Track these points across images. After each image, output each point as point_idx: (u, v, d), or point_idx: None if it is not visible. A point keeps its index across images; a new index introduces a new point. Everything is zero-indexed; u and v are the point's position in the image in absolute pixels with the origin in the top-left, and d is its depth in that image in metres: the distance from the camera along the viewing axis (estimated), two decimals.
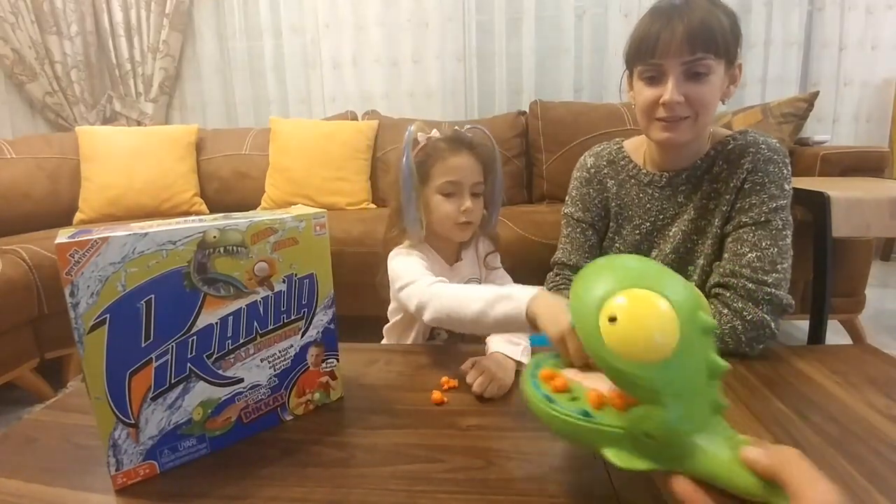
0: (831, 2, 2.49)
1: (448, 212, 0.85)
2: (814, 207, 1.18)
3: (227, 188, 2.33)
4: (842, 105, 2.57)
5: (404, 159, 0.83)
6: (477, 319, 0.64)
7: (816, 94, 1.83)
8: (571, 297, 0.43)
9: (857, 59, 2.52)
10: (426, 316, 0.72)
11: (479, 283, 0.95)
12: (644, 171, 0.91)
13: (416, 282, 0.76)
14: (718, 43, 0.74)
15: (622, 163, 0.94)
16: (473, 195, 0.87)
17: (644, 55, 0.78)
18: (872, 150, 1.70)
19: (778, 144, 0.82)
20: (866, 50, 2.52)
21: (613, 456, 0.40)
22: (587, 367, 0.49)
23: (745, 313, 0.73)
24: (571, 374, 0.48)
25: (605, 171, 0.95)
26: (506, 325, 0.64)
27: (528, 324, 0.59)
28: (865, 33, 2.50)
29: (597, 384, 0.44)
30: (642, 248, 0.91)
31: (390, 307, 0.95)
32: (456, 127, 0.91)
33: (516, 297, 0.61)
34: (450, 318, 0.69)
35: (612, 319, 0.38)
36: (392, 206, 0.93)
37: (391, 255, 0.87)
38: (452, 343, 0.93)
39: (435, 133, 0.88)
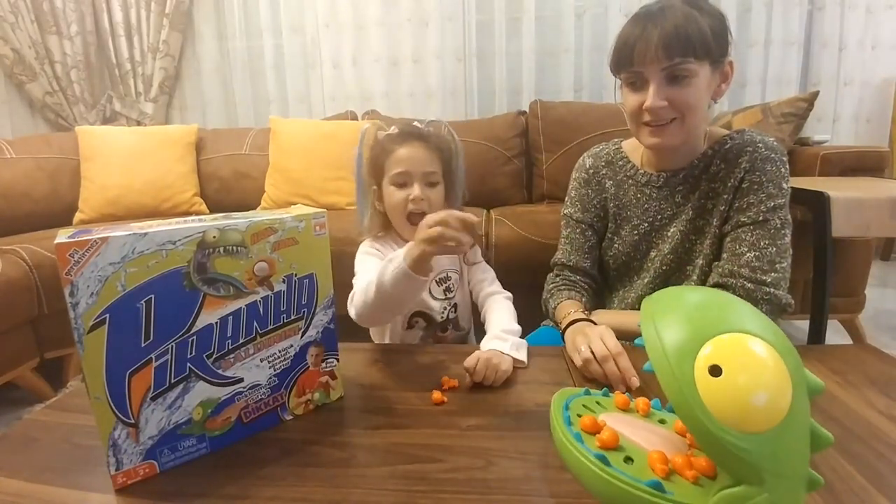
0: (831, 1, 2.48)
1: (398, 201, 0.87)
2: (814, 207, 1.18)
3: (227, 188, 2.33)
4: (842, 105, 2.57)
5: (356, 155, 0.89)
6: (379, 291, 0.71)
7: (816, 93, 1.83)
8: (646, 333, 0.36)
9: (857, 59, 2.52)
10: (352, 314, 0.78)
11: (459, 276, 0.97)
12: (642, 171, 0.91)
13: (359, 279, 0.82)
14: (696, 46, 0.73)
15: (620, 163, 0.94)
16: (429, 185, 0.88)
17: (624, 63, 0.79)
18: (872, 150, 1.70)
19: (775, 143, 0.82)
20: (866, 50, 2.51)
21: None
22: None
23: None
24: (611, 421, 0.42)
25: (604, 172, 0.95)
26: (405, 285, 0.69)
27: (415, 272, 0.66)
28: (865, 33, 2.50)
29: (643, 434, 0.39)
30: (641, 248, 0.91)
31: None
32: (416, 122, 0.93)
33: (394, 257, 0.69)
34: (366, 303, 0.74)
35: (716, 371, 0.31)
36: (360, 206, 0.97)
37: (359, 248, 0.91)
38: (430, 333, 0.94)
39: (393, 129, 0.91)
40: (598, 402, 0.50)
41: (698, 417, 0.31)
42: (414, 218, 0.87)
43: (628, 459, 0.38)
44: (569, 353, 0.75)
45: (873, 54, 2.52)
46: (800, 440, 0.32)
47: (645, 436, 0.40)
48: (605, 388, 0.54)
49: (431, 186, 0.88)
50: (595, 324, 0.79)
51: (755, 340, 0.32)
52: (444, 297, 0.94)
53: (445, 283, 0.94)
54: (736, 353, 0.32)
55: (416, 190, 0.86)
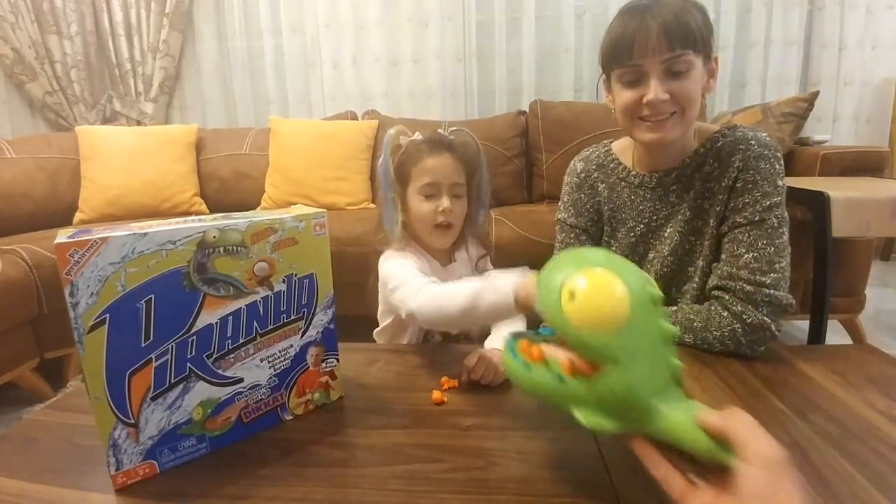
0: (831, 1, 2.48)
1: (426, 212, 0.86)
2: (814, 207, 1.18)
3: (227, 188, 2.33)
4: (842, 105, 2.57)
5: (381, 161, 0.86)
6: (466, 313, 0.64)
7: (816, 93, 1.83)
8: (537, 283, 0.49)
9: (857, 59, 2.52)
10: (419, 318, 0.72)
11: None
12: (634, 172, 0.90)
13: (408, 283, 0.76)
14: (696, 37, 0.73)
15: (611, 165, 0.93)
16: (454, 196, 0.87)
17: (621, 57, 0.76)
18: (872, 150, 1.70)
19: (768, 139, 0.80)
20: (866, 50, 2.51)
21: (582, 416, 0.44)
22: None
23: (744, 316, 0.73)
24: (547, 348, 0.50)
25: (595, 176, 0.94)
26: (496, 315, 0.66)
27: (518, 309, 0.59)
28: (865, 33, 2.50)
29: (566, 353, 0.48)
30: (638, 250, 0.90)
31: (380, 310, 0.95)
32: (439, 130, 0.91)
33: (500, 287, 0.61)
34: (440, 315, 0.69)
35: (571, 296, 0.43)
36: (378, 210, 0.94)
37: (383, 256, 0.88)
38: (446, 346, 0.93)
39: (417, 136, 0.89)
40: (544, 339, 0.54)
41: (565, 328, 0.44)
42: (441, 229, 0.87)
43: (549, 367, 0.48)
44: None
45: (873, 54, 2.52)
46: (645, 335, 0.44)
47: (567, 353, 0.48)
48: (552, 329, 0.54)
49: (457, 198, 0.88)
50: None
51: (600, 272, 0.45)
52: None
53: None
54: (586, 283, 0.44)
55: (445, 202, 0.85)
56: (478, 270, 0.97)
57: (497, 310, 0.62)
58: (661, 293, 0.46)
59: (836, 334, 1.68)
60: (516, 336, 0.55)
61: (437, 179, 0.85)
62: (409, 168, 0.87)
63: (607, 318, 0.43)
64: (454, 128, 0.93)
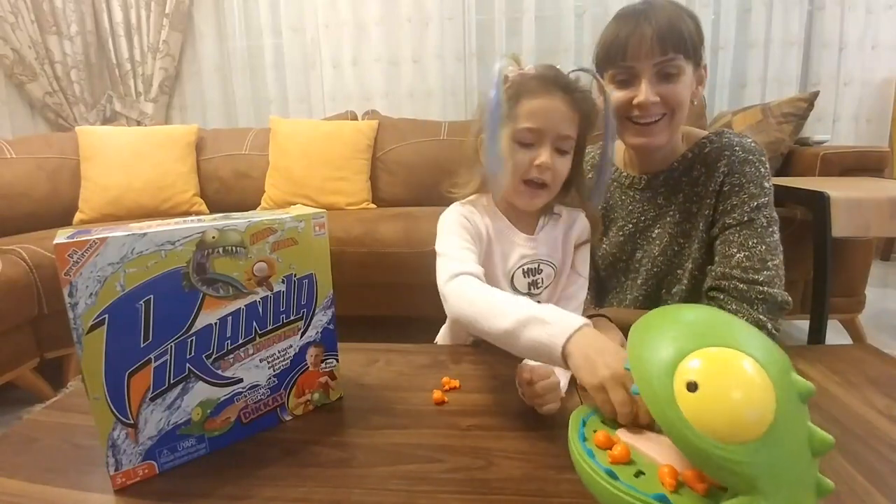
0: (831, 2, 2.48)
1: (518, 162, 0.70)
2: (814, 207, 1.18)
3: (227, 188, 2.33)
4: (842, 105, 2.56)
5: (493, 93, 0.68)
6: (504, 338, 0.58)
7: (816, 93, 1.83)
8: (631, 356, 0.38)
9: (857, 59, 2.51)
10: (447, 308, 0.65)
11: (557, 273, 0.80)
12: (625, 174, 0.92)
13: (450, 255, 0.69)
14: (687, 43, 0.74)
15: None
16: (558, 151, 0.71)
17: (615, 58, 0.78)
18: (872, 150, 1.70)
19: (753, 144, 0.82)
20: (866, 50, 2.51)
21: None
22: (636, 423, 0.44)
23: (739, 315, 0.73)
24: (626, 436, 0.43)
25: (590, 176, 0.95)
26: (536, 353, 0.56)
27: (562, 360, 0.52)
28: (865, 33, 2.49)
29: (657, 449, 0.40)
30: (626, 249, 0.92)
31: None
32: (558, 66, 0.77)
33: (554, 324, 0.53)
34: (474, 325, 0.61)
35: (692, 387, 0.32)
36: (466, 155, 0.79)
37: (449, 212, 0.77)
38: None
39: (529, 69, 0.74)
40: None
41: (683, 433, 0.32)
42: (531, 188, 0.72)
43: (639, 473, 0.38)
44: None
45: (873, 54, 2.52)
46: (793, 447, 0.33)
47: (659, 449, 0.40)
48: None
49: (561, 154, 0.71)
50: (610, 319, 0.79)
51: (730, 352, 0.34)
52: (526, 292, 0.78)
53: (534, 275, 0.78)
54: (712, 367, 0.33)
55: (544, 155, 0.69)
56: (569, 255, 0.81)
57: (539, 348, 0.54)
58: (812, 385, 0.34)
59: (836, 334, 1.68)
60: (584, 418, 0.46)
61: (541, 126, 0.69)
62: (511, 106, 0.70)
63: (745, 424, 0.31)
64: (579, 68, 0.77)
